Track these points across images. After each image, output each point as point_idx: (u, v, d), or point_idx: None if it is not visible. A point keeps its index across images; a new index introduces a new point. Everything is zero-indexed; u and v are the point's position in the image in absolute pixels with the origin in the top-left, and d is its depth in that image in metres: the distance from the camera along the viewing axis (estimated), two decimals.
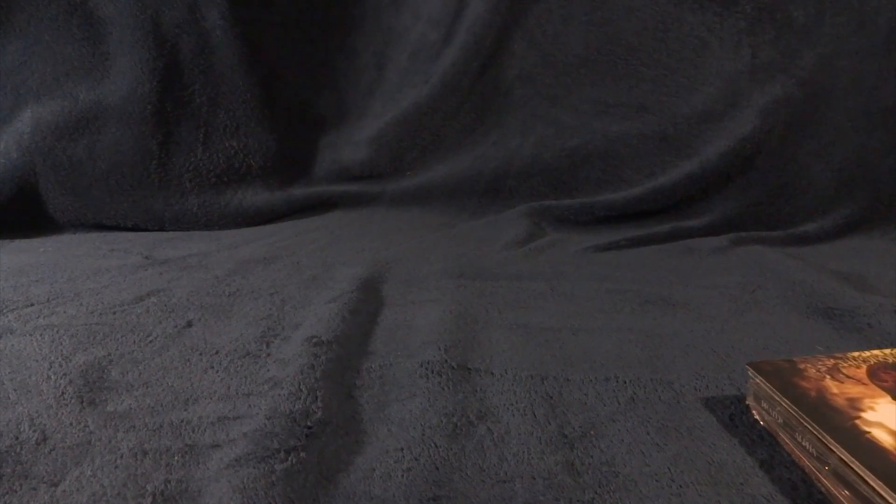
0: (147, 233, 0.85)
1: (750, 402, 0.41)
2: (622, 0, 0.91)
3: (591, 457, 0.36)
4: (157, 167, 0.86)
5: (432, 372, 0.44)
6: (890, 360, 0.42)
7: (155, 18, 0.84)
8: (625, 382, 0.44)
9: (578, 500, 0.32)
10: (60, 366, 0.46)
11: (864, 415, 0.36)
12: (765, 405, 0.40)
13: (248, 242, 0.79)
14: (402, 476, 0.34)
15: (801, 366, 0.42)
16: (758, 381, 0.41)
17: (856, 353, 0.42)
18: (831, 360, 0.42)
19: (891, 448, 0.33)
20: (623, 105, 0.92)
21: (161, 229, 0.87)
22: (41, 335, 0.50)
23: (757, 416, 0.40)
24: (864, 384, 0.39)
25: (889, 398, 0.38)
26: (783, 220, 0.89)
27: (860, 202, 0.89)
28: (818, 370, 0.41)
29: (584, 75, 0.92)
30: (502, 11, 0.90)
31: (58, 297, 0.59)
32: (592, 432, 0.38)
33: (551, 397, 0.42)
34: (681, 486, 0.33)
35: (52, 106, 0.84)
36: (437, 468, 0.34)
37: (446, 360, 0.45)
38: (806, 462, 0.36)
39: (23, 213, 0.84)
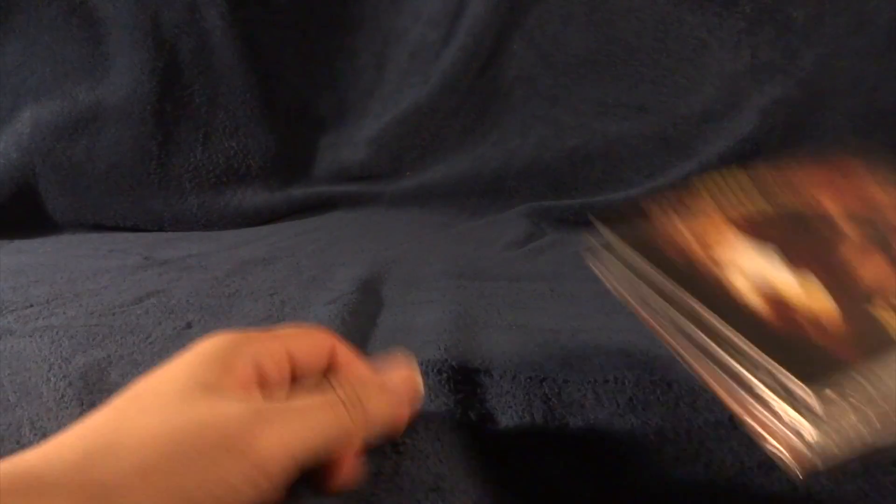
0: (146, 233, 0.85)
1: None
2: (622, 0, 0.91)
3: (588, 459, 0.36)
4: (156, 167, 0.86)
5: (432, 371, 0.44)
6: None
7: (154, 19, 0.84)
8: (624, 384, 0.44)
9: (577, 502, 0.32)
10: (60, 367, 0.46)
11: (727, 272, 0.32)
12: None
13: (248, 243, 0.79)
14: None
15: (645, 206, 0.37)
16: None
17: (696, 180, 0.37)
18: (676, 194, 0.37)
19: (769, 312, 0.30)
20: (623, 105, 0.92)
21: (161, 230, 0.87)
22: (41, 336, 0.50)
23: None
24: (711, 217, 0.35)
25: (737, 234, 0.33)
26: None
27: None
28: (663, 209, 0.36)
29: (584, 75, 0.92)
30: (502, 12, 0.90)
31: (57, 297, 0.59)
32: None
33: (549, 399, 0.42)
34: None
35: (52, 106, 0.84)
36: (441, 461, 0.34)
37: (446, 360, 0.45)
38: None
39: (22, 213, 0.84)
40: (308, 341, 0.30)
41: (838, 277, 0.30)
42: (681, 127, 0.90)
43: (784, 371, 0.26)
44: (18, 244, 0.78)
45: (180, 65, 0.86)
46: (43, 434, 0.37)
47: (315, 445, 0.26)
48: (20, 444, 0.37)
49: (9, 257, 0.72)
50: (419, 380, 0.31)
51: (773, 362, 0.26)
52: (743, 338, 0.28)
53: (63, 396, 0.42)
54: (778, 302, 0.30)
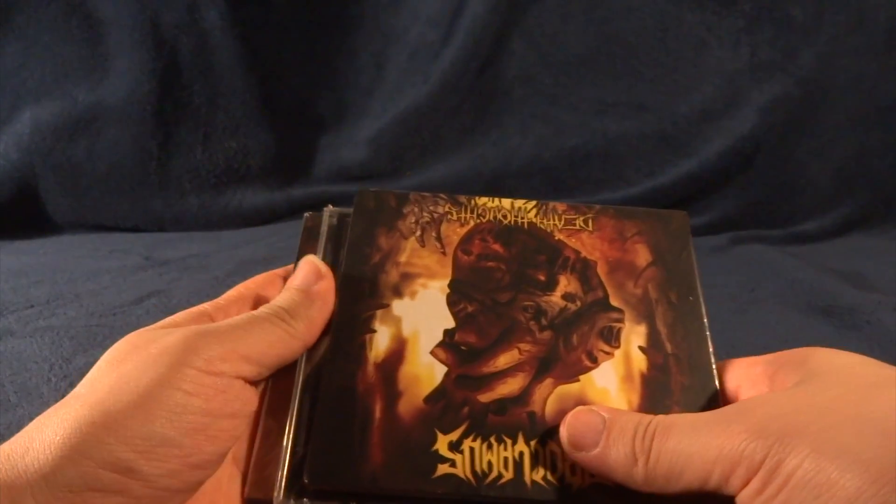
0: (147, 233, 0.85)
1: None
2: None
3: None
4: (156, 168, 0.86)
5: None
6: (506, 221, 0.34)
7: (154, 19, 0.84)
8: None
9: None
10: (61, 368, 0.46)
11: (396, 304, 0.31)
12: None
13: (248, 243, 0.79)
14: None
15: (407, 209, 0.34)
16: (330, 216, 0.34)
17: (483, 201, 0.34)
18: (446, 207, 0.34)
19: (371, 362, 0.29)
20: (622, 104, 0.92)
21: (161, 230, 0.87)
22: (41, 337, 0.50)
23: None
24: (443, 254, 0.32)
25: (446, 282, 0.32)
26: (782, 219, 0.89)
27: (859, 201, 0.90)
28: (418, 221, 0.34)
29: (584, 75, 0.92)
30: (501, 11, 0.90)
31: (58, 298, 0.59)
32: None
33: None
34: None
35: (52, 107, 0.84)
36: None
37: None
38: None
39: (22, 214, 0.84)
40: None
41: (476, 358, 0.30)
42: (680, 126, 0.91)
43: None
44: (19, 245, 0.78)
45: (180, 65, 0.86)
46: None
47: (260, 349, 0.28)
48: None
49: (9, 258, 0.72)
50: (314, 259, 0.33)
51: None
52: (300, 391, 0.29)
53: (64, 396, 0.42)
54: (396, 355, 0.30)
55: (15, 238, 0.80)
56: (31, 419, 0.38)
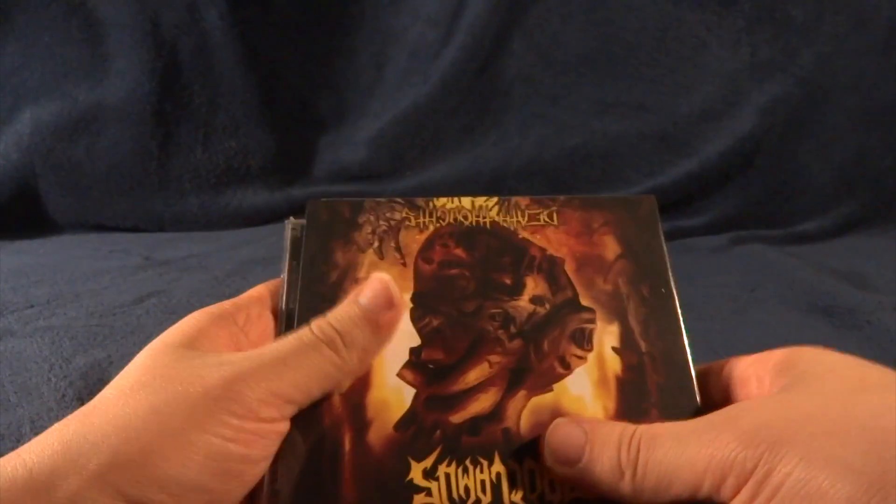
0: (147, 233, 0.85)
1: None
2: None
3: None
4: (156, 168, 0.86)
5: None
6: (467, 222, 0.32)
7: (154, 19, 0.84)
8: None
9: None
10: (61, 368, 0.46)
11: None
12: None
13: (248, 243, 0.79)
14: None
15: (363, 218, 0.32)
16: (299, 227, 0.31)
17: (442, 202, 0.32)
18: (403, 212, 0.32)
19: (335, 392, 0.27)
20: (622, 104, 0.92)
21: (161, 230, 0.87)
22: (41, 337, 0.50)
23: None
24: (403, 265, 0.30)
25: (408, 296, 0.30)
26: (783, 219, 0.89)
27: (859, 201, 0.89)
28: (374, 230, 0.31)
29: (584, 75, 0.92)
30: (501, 11, 0.90)
31: (58, 298, 0.59)
32: None
33: None
34: None
35: (52, 107, 0.84)
36: None
37: None
38: None
39: (22, 214, 0.84)
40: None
41: (444, 376, 0.28)
42: (680, 126, 0.91)
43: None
44: (19, 245, 0.78)
45: (180, 65, 0.86)
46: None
47: (308, 387, 0.26)
48: (20, 444, 0.37)
49: (9, 258, 0.72)
50: (388, 281, 0.29)
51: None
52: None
53: (64, 396, 0.42)
54: (361, 382, 0.28)
55: (15, 238, 0.80)
56: (31, 419, 0.38)
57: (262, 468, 0.25)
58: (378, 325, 0.27)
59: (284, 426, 0.26)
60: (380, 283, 0.28)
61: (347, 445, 0.26)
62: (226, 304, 0.30)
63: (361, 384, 0.28)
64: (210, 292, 0.60)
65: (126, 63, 0.85)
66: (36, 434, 0.27)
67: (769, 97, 0.89)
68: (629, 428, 0.24)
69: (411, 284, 0.30)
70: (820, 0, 0.89)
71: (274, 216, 0.89)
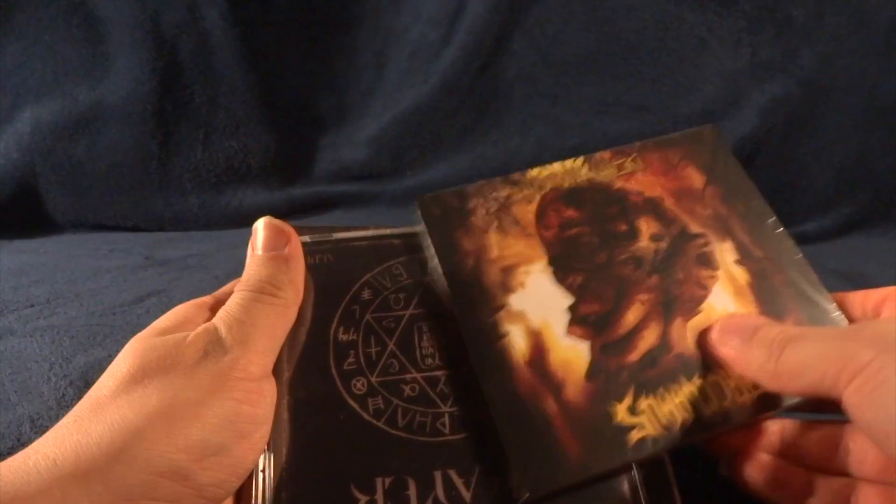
0: (147, 233, 0.85)
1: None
2: None
3: None
4: (157, 167, 0.86)
5: None
6: (566, 185, 0.34)
7: (154, 18, 0.84)
8: None
9: None
10: (61, 367, 0.46)
11: (511, 299, 0.30)
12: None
13: (248, 243, 0.79)
14: None
15: (472, 203, 0.33)
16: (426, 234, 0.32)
17: (535, 172, 0.34)
18: (506, 190, 0.33)
19: (520, 364, 0.29)
20: (623, 104, 0.92)
21: (161, 229, 0.87)
22: (41, 336, 0.50)
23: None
24: (528, 235, 0.32)
25: (545, 261, 0.31)
26: (782, 219, 0.88)
27: (860, 201, 0.89)
28: (488, 211, 0.33)
29: (584, 75, 0.92)
30: (502, 11, 0.90)
31: (58, 297, 0.59)
32: None
33: None
34: None
35: (52, 106, 0.84)
36: None
37: None
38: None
39: (22, 213, 0.84)
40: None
41: (607, 323, 0.30)
42: (681, 126, 0.89)
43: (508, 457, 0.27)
44: (19, 244, 0.78)
45: (180, 65, 0.86)
46: (44, 433, 0.37)
47: (273, 334, 0.28)
48: (20, 443, 0.37)
49: (9, 257, 0.72)
50: (268, 220, 0.33)
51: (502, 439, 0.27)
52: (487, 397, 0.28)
53: (64, 396, 0.42)
54: (538, 349, 0.29)
55: (15, 238, 0.80)
56: (31, 419, 0.38)
57: (266, 430, 0.27)
58: (286, 258, 0.31)
59: (271, 383, 0.28)
60: (265, 227, 0.33)
61: (553, 407, 0.28)
62: (206, 298, 0.32)
63: (539, 352, 0.29)
64: (210, 292, 0.60)
65: (126, 63, 0.85)
66: (36, 434, 0.27)
67: (770, 97, 0.89)
68: (787, 330, 0.29)
69: (543, 251, 0.32)
70: (820, 0, 0.88)
71: (274, 216, 0.89)
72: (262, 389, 0.26)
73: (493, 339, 0.29)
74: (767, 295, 0.31)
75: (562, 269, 0.31)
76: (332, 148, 0.94)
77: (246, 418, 0.25)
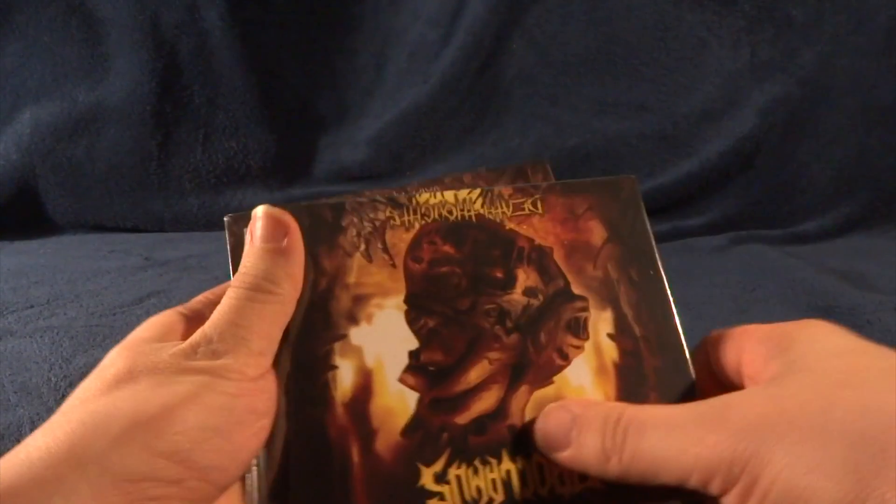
0: (147, 234, 0.85)
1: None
2: None
3: None
4: (156, 168, 0.86)
5: None
6: (452, 217, 0.31)
7: (154, 19, 0.84)
8: None
9: None
10: (61, 368, 0.46)
11: (352, 332, 0.28)
12: None
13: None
14: None
15: (346, 220, 0.30)
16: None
17: (425, 197, 0.31)
18: (387, 212, 0.30)
19: (338, 403, 0.27)
20: (622, 104, 0.92)
21: (161, 230, 0.87)
22: (41, 337, 0.50)
23: None
24: (393, 266, 0.29)
25: (401, 297, 0.29)
26: (783, 219, 0.89)
27: (860, 200, 0.89)
28: (359, 232, 0.30)
29: (584, 74, 0.92)
30: (501, 11, 0.90)
31: (58, 298, 0.59)
32: None
33: None
34: None
35: (52, 107, 0.84)
36: None
37: None
38: None
39: (22, 214, 0.84)
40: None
41: (446, 377, 0.28)
42: (681, 126, 0.91)
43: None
44: (19, 245, 0.78)
45: (180, 65, 0.86)
46: None
47: (269, 333, 0.27)
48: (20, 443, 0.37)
49: (9, 258, 0.72)
50: (268, 210, 0.29)
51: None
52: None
53: (64, 396, 0.42)
54: (364, 391, 0.27)
55: (15, 238, 0.80)
56: (31, 419, 0.38)
57: (267, 422, 0.26)
58: (284, 250, 0.28)
59: (271, 379, 0.27)
60: (263, 217, 0.29)
61: (356, 456, 0.26)
62: (179, 308, 0.31)
63: (364, 393, 0.27)
64: None
65: (126, 63, 0.85)
66: None
67: (769, 97, 0.89)
68: (615, 410, 0.25)
69: (403, 286, 0.29)
70: (820, 0, 0.89)
71: None
72: (259, 387, 0.26)
73: (321, 370, 0.27)
74: (632, 379, 0.28)
75: (416, 309, 0.29)
76: (332, 148, 0.94)
77: (244, 409, 0.25)
